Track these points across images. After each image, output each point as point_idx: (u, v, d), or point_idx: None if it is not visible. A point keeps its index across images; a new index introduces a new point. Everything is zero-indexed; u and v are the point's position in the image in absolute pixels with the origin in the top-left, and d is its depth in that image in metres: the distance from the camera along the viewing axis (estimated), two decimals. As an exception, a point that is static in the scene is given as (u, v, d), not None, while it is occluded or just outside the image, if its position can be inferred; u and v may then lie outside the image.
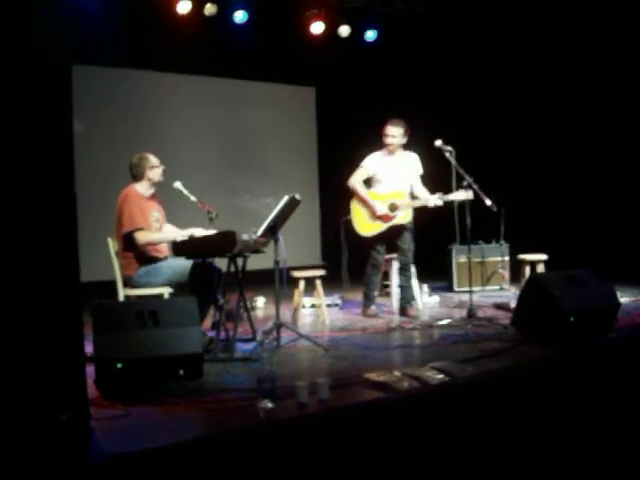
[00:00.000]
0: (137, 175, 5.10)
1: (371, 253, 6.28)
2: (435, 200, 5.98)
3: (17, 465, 2.44)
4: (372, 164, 6.22)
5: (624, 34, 7.55)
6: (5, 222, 2.64)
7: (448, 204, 6.00)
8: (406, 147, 6.26)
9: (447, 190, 5.90)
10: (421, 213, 6.34)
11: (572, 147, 8.25)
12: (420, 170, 6.33)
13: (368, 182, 6.32)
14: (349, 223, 6.29)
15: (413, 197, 6.28)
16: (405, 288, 6.31)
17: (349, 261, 6.38)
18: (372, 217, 6.17)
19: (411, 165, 6.29)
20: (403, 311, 6.27)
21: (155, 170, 5.12)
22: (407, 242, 6.24)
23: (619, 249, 7.57)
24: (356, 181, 6.24)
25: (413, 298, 6.46)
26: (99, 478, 2.50)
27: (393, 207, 6.12)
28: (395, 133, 6.10)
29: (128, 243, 4.91)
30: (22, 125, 2.70)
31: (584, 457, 3.48)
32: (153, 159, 5.13)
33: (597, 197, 8.06)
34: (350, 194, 6.32)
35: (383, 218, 6.12)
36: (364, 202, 6.20)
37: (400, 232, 6.22)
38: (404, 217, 6.12)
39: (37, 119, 2.74)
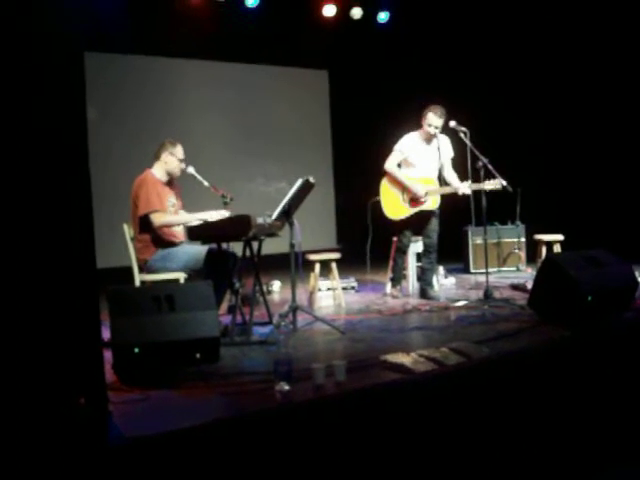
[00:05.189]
0: (156, 155, 5.13)
1: (398, 237, 6.31)
2: (464, 189, 5.92)
3: (37, 448, 2.47)
4: (407, 147, 6.16)
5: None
6: (21, 210, 2.65)
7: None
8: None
9: (464, 173, 5.84)
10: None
11: (588, 126, 8.15)
12: (451, 153, 6.28)
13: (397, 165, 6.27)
14: (377, 204, 6.26)
15: (441, 181, 6.22)
16: (427, 271, 6.27)
17: (372, 244, 6.35)
18: (403, 201, 6.14)
19: (443, 148, 6.20)
20: (423, 293, 6.25)
21: (173, 159, 5.11)
22: (433, 225, 6.21)
23: (637, 228, 7.49)
24: (392, 164, 6.20)
25: (432, 283, 6.40)
26: (117, 461, 2.53)
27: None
28: (441, 124, 6.02)
29: (144, 226, 4.93)
30: (37, 113, 2.70)
31: (601, 437, 3.47)
32: (178, 149, 5.14)
33: (614, 176, 7.97)
34: (376, 176, 6.30)
35: (412, 203, 6.10)
36: (400, 185, 6.15)
37: (427, 218, 6.19)
38: (433, 204, 6.10)
39: (51, 106, 2.75)
